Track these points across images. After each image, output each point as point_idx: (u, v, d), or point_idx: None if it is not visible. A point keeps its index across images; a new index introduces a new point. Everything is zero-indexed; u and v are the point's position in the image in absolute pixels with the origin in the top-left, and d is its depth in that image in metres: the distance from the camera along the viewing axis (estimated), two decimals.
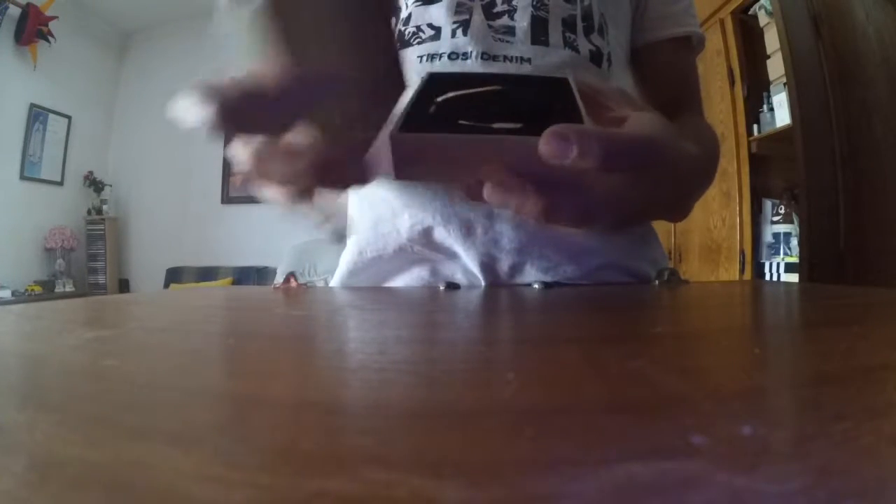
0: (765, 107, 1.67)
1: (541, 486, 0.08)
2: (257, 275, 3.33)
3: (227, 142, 0.25)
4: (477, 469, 0.09)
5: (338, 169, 0.27)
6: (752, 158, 1.67)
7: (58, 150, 3.52)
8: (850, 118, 1.33)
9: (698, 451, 0.09)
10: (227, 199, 3.64)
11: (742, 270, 1.68)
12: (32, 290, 3.21)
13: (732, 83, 1.73)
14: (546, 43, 0.46)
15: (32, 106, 3.32)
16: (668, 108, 0.39)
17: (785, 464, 0.09)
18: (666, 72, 0.55)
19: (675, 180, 0.30)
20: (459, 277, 0.47)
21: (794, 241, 1.60)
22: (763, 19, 1.67)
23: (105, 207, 3.72)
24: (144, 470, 0.09)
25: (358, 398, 0.13)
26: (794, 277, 1.51)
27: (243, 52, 0.25)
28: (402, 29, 0.49)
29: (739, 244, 1.69)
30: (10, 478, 0.08)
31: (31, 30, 3.16)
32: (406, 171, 0.25)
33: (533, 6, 0.47)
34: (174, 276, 3.49)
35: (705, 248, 1.86)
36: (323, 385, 0.15)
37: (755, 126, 1.68)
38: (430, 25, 0.48)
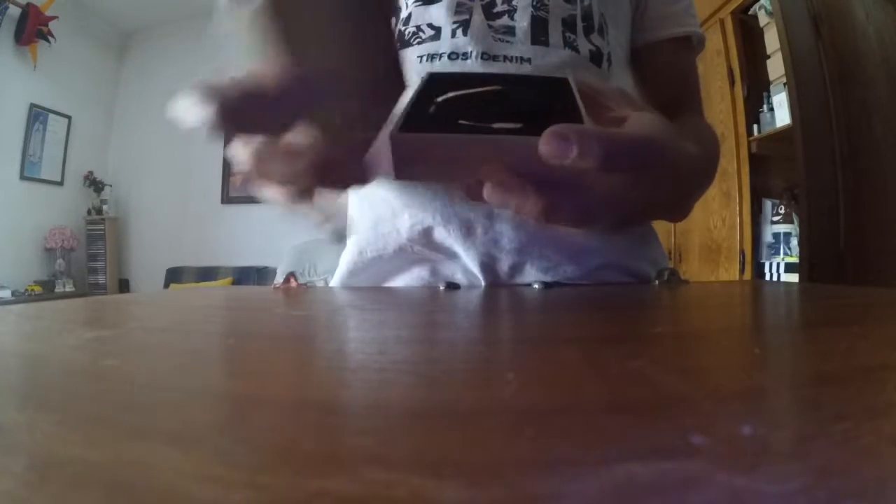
0: (765, 107, 1.67)
1: (541, 486, 0.08)
2: (257, 275, 3.33)
3: (227, 142, 0.25)
4: (477, 469, 0.09)
5: (337, 169, 0.27)
6: (752, 158, 1.67)
7: (58, 150, 3.52)
8: (850, 118, 1.33)
9: (698, 451, 0.09)
10: (227, 199, 3.64)
11: (742, 270, 1.68)
12: (32, 290, 3.21)
13: (732, 83, 1.73)
14: (546, 43, 0.46)
15: (32, 106, 3.32)
16: (668, 108, 0.39)
17: (785, 464, 0.09)
18: (666, 72, 0.55)
19: (675, 180, 0.30)
20: (459, 277, 0.47)
21: (794, 241, 1.60)
22: (763, 19, 1.67)
23: (105, 207, 3.72)
24: (144, 470, 0.09)
25: (358, 398, 0.13)
26: (794, 277, 1.51)
27: (243, 53, 0.25)
28: (402, 29, 0.49)
29: (739, 244, 1.69)
30: (10, 478, 0.08)
31: (31, 30, 3.16)
32: (406, 171, 0.26)
33: (533, 6, 0.47)
34: (174, 276, 3.49)
35: (705, 248, 1.86)
36: (323, 385, 0.15)
37: (755, 126, 1.68)
38: (430, 25, 0.48)
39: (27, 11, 3.12)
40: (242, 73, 0.24)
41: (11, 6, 3.07)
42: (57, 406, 0.13)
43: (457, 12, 0.47)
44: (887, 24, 1.29)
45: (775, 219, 1.69)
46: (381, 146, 0.32)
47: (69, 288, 3.45)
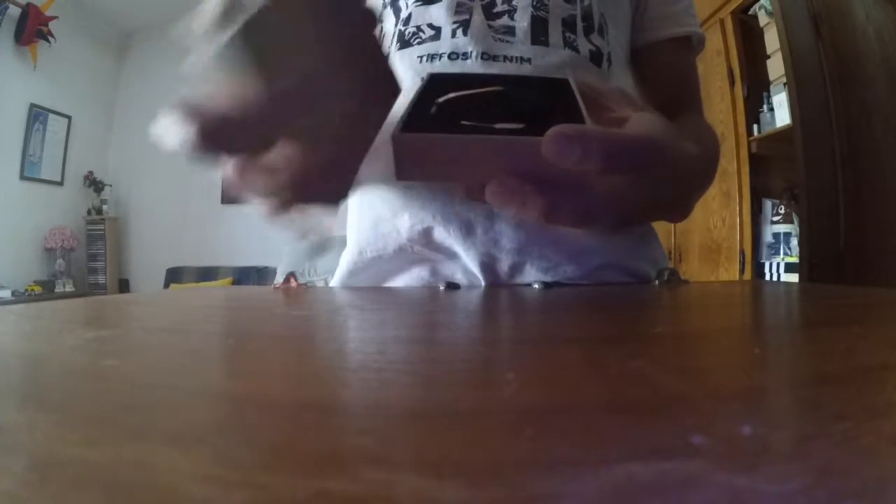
0: (765, 107, 1.67)
1: (541, 486, 0.08)
2: (257, 275, 3.33)
3: (207, 161, 0.26)
4: (477, 469, 0.09)
5: (314, 184, 0.27)
6: (752, 158, 1.67)
7: (58, 150, 3.52)
8: (850, 118, 1.33)
9: (698, 451, 0.09)
10: (227, 198, 3.64)
11: (742, 270, 1.68)
12: (32, 290, 3.21)
13: (732, 83, 1.73)
14: (546, 43, 0.46)
15: (32, 106, 3.32)
16: (668, 108, 0.39)
17: (785, 464, 0.09)
18: (666, 72, 0.55)
19: (675, 180, 0.30)
20: (459, 277, 0.47)
21: (794, 241, 1.60)
22: (763, 19, 1.67)
23: (105, 207, 3.72)
24: (144, 470, 0.09)
25: (358, 398, 0.13)
26: (794, 277, 1.51)
27: (218, 81, 0.25)
28: (402, 29, 0.49)
29: (739, 244, 1.69)
30: (10, 478, 0.08)
31: (31, 30, 3.16)
32: (408, 171, 0.26)
33: (533, 6, 0.47)
34: (174, 276, 3.49)
35: (705, 248, 1.86)
36: (323, 385, 0.15)
37: (755, 126, 1.68)
38: (430, 25, 0.48)
39: (27, 11, 3.12)
40: (218, 95, 0.24)
41: (11, 6, 3.07)
42: (57, 406, 0.13)
43: (457, 12, 0.47)
44: (887, 24, 1.29)
45: (775, 219, 1.69)
46: (382, 147, 0.32)
47: (69, 288, 3.45)
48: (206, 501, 0.08)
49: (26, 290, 3.19)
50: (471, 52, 0.46)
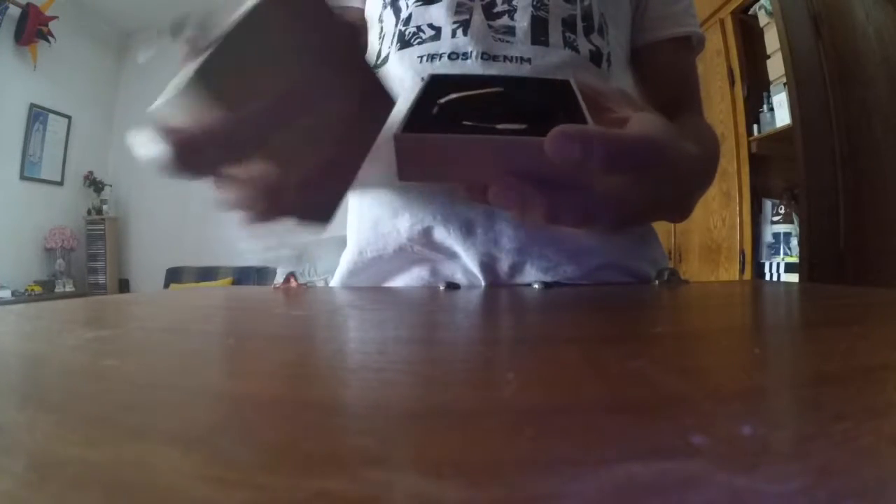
0: (765, 107, 1.67)
1: (541, 486, 0.08)
2: (257, 275, 3.32)
3: (181, 176, 0.26)
4: (477, 469, 0.09)
5: (290, 198, 0.29)
6: (752, 158, 1.67)
7: (58, 150, 3.52)
8: (850, 118, 1.33)
9: (698, 451, 0.09)
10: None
11: (742, 270, 1.68)
12: (32, 290, 3.21)
13: (732, 83, 1.73)
14: (546, 43, 0.46)
15: (32, 106, 3.32)
16: (668, 108, 0.39)
17: (785, 464, 0.09)
18: (666, 72, 0.55)
19: (676, 180, 0.30)
20: (459, 277, 0.47)
21: (794, 241, 1.60)
22: (763, 19, 1.67)
23: (105, 207, 3.72)
24: (144, 470, 0.09)
25: (358, 398, 0.13)
26: (794, 277, 1.51)
27: (187, 107, 0.26)
28: (403, 29, 0.49)
29: (739, 244, 1.69)
30: (10, 478, 0.08)
31: (31, 30, 3.16)
32: (410, 172, 0.26)
33: (533, 6, 0.47)
34: (174, 276, 3.48)
35: (705, 248, 1.86)
36: (323, 385, 0.15)
37: (755, 126, 1.68)
38: (431, 25, 0.48)
39: (27, 11, 3.12)
40: (189, 117, 0.25)
41: (11, 6, 3.07)
42: (57, 406, 0.13)
43: (457, 12, 0.47)
44: (887, 24, 1.29)
45: (775, 219, 1.69)
46: (382, 147, 0.32)
47: (69, 288, 3.45)
48: (206, 501, 0.08)
49: (26, 290, 3.19)
50: (471, 52, 0.46)
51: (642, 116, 0.27)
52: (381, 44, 0.52)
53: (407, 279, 0.49)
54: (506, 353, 0.20)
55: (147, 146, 0.24)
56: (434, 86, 0.31)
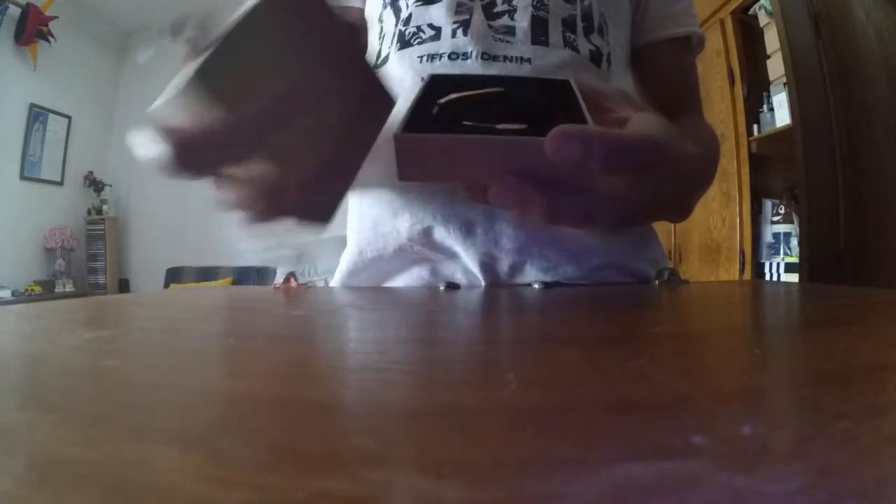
0: (765, 107, 1.67)
1: (541, 486, 0.08)
2: (257, 275, 3.32)
3: (181, 176, 0.27)
4: (477, 469, 0.09)
5: (284, 198, 0.29)
6: (752, 158, 1.67)
7: (58, 150, 3.52)
8: (850, 118, 1.33)
9: (698, 451, 0.09)
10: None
11: (742, 270, 1.68)
12: (32, 290, 3.21)
13: (732, 83, 1.73)
14: (546, 43, 0.46)
15: (32, 106, 3.32)
16: (668, 109, 0.39)
17: (785, 464, 0.09)
18: (666, 72, 0.55)
19: (676, 180, 0.30)
20: (459, 277, 0.47)
21: (794, 241, 1.60)
22: (763, 19, 1.67)
23: (105, 207, 3.72)
24: (144, 470, 0.09)
25: (358, 398, 0.13)
26: (794, 277, 1.51)
27: (186, 108, 0.26)
28: (403, 29, 0.49)
29: (739, 244, 1.69)
30: (10, 478, 0.08)
31: (31, 30, 3.16)
32: (410, 172, 0.26)
33: (533, 6, 0.47)
34: (174, 276, 3.48)
35: (705, 248, 1.86)
36: (323, 385, 0.15)
37: (755, 126, 1.68)
38: (431, 25, 0.48)
39: (27, 11, 3.12)
40: (188, 118, 0.25)
41: (11, 6, 3.07)
42: (57, 406, 0.13)
43: (457, 12, 0.47)
44: (887, 24, 1.29)
45: (775, 219, 1.69)
46: (382, 147, 0.32)
47: (69, 288, 3.45)
48: (206, 501, 0.08)
49: (26, 290, 3.19)
50: (471, 52, 0.46)
51: (642, 116, 0.27)
52: (381, 44, 0.52)
53: (407, 279, 0.49)
54: (506, 353, 0.20)
55: (147, 146, 0.24)
56: (434, 86, 0.30)
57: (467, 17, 0.47)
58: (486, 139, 0.24)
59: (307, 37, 0.29)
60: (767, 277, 1.64)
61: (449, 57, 0.46)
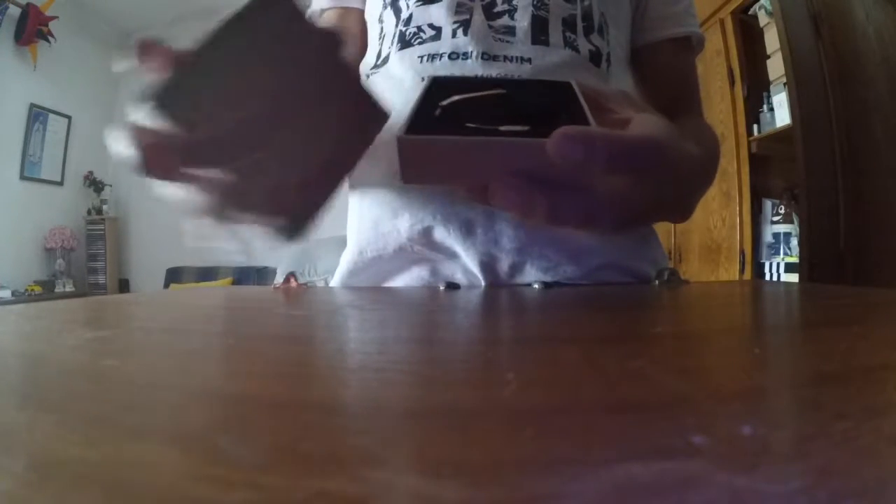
0: (765, 107, 1.67)
1: (541, 486, 0.08)
2: (257, 275, 3.32)
3: (151, 177, 0.28)
4: (477, 469, 0.09)
5: (240, 204, 0.29)
6: (752, 158, 1.67)
7: (58, 150, 3.52)
8: (850, 118, 1.33)
9: (698, 451, 0.09)
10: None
11: (742, 270, 1.68)
12: (32, 290, 3.21)
13: (732, 83, 1.72)
14: (546, 43, 0.46)
15: (32, 106, 3.32)
16: (668, 109, 0.39)
17: (785, 464, 0.09)
18: (666, 72, 0.55)
19: (677, 181, 0.30)
20: (459, 277, 0.47)
21: (794, 241, 1.60)
22: (763, 19, 1.67)
23: (105, 207, 3.72)
24: (144, 470, 0.09)
25: (358, 398, 0.13)
26: (794, 277, 1.51)
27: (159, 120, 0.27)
28: (403, 30, 0.49)
29: (739, 244, 1.69)
30: (10, 478, 0.08)
31: (31, 30, 3.16)
32: (413, 174, 0.25)
33: (533, 6, 0.47)
34: (174, 276, 3.48)
35: (705, 248, 1.86)
36: (323, 385, 0.15)
37: (755, 126, 1.68)
38: (431, 25, 0.48)
39: (27, 11, 3.12)
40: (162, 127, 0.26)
41: (11, 6, 3.07)
42: (57, 406, 0.13)
43: (457, 12, 0.47)
44: (887, 24, 1.29)
45: (775, 219, 1.69)
46: (382, 148, 0.32)
47: (69, 288, 3.45)
48: (206, 501, 0.08)
49: (26, 290, 3.19)
50: (471, 51, 0.46)
51: (644, 118, 0.27)
52: (381, 44, 0.52)
53: (407, 279, 0.49)
54: (506, 353, 0.20)
55: (122, 145, 0.25)
56: (435, 88, 0.30)
57: (467, 16, 0.47)
58: (489, 141, 0.24)
59: (285, 50, 0.29)
60: (767, 277, 1.64)
61: (449, 57, 0.46)
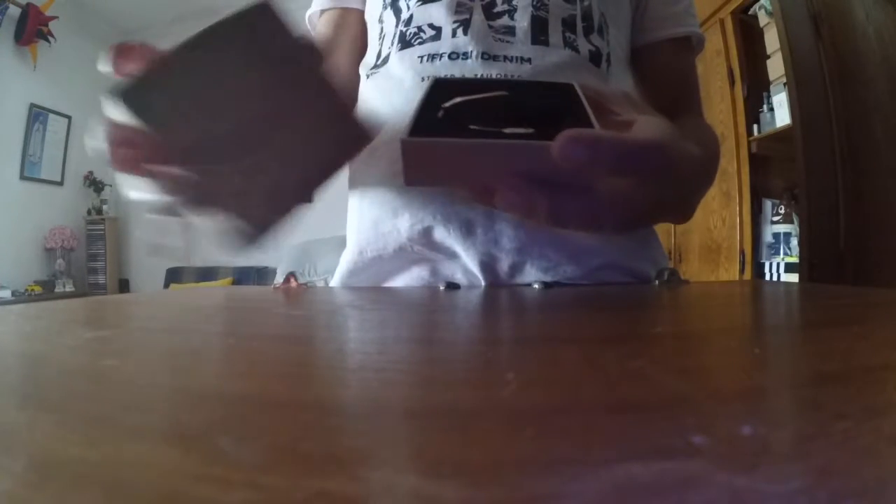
0: (765, 107, 1.67)
1: (541, 486, 0.08)
2: (257, 275, 3.32)
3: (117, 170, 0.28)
4: (477, 469, 0.09)
5: (201, 203, 0.30)
6: (752, 158, 1.67)
7: (58, 150, 3.52)
8: (850, 118, 1.33)
9: (698, 451, 0.09)
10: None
11: (742, 270, 1.68)
12: (32, 290, 3.21)
13: (732, 83, 1.72)
14: (546, 43, 0.46)
15: (32, 106, 3.32)
16: (668, 109, 0.39)
17: (785, 464, 0.09)
18: (666, 72, 0.55)
19: (680, 183, 0.30)
20: (459, 277, 0.47)
21: (794, 241, 1.60)
22: (763, 19, 1.67)
23: (105, 207, 3.72)
24: (144, 470, 0.09)
25: (358, 398, 0.13)
26: (794, 277, 1.51)
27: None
28: (404, 30, 0.49)
29: (739, 244, 1.69)
30: (10, 478, 0.08)
31: (31, 30, 3.16)
32: (416, 176, 0.25)
33: (533, 6, 0.47)
34: (174, 276, 3.48)
35: (705, 248, 1.86)
36: (323, 385, 0.15)
37: (755, 126, 1.68)
38: (431, 25, 0.48)
39: (27, 11, 3.12)
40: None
41: (11, 6, 3.07)
42: (57, 406, 0.13)
43: (457, 12, 0.47)
44: (887, 24, 1.29)
45: (775, 219, 1.69)
46: (382, 147, 0.32)
47: (69, 288, 3.45)
48: (206, 501, 0.08)
49: (26, 290, 3.19)
50: (471, 51, 0.46)
51: (648, 120, 0.27)
52: (381, 44, 0.52)
53: (407, 279, 0.49)
54: (506, 353, 0.20)
55: (97, 139, 0.26)
56: (437, 89, 0.30)
57: (467, 16, 0.47)
58: (494, 144, 0.24)
59: (263, 58, 0.29)
60: (767, 277, 1.64)
61: (449, 57, 0.46)
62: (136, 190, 0.29)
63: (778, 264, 1.62)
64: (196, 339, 0.24)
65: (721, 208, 1.76)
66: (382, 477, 0.08)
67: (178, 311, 0.36)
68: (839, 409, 0.11)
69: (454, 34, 0.47)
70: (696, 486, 0.08)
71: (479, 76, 0.45)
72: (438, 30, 0.47)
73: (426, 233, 0.46)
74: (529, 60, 0.46)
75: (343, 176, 0.54)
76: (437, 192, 0.46)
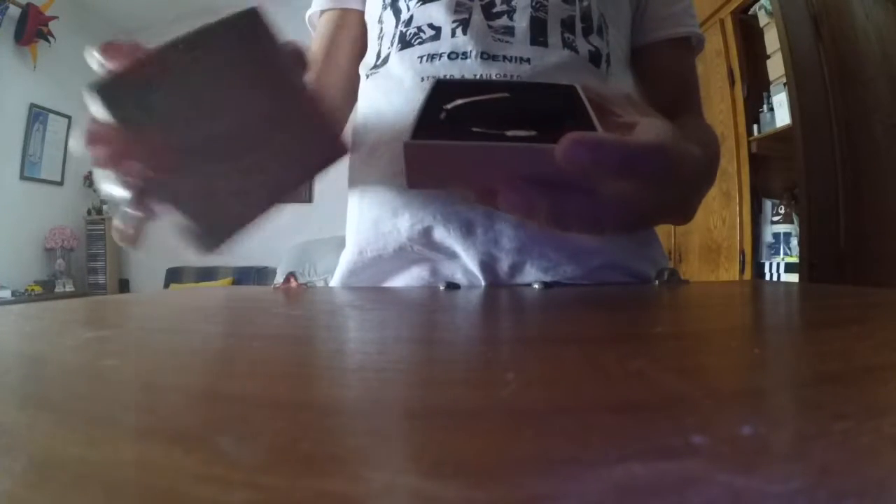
0: (765, 107, 1.67)
1: (541, 486, 0.08)
2: (257, 275, 3.32)
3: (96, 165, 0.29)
4: (477, 469, 0.09)
5: (166, 201, 0.31)
6: (752, 158, 1.67)
7: (58, 150, 3.52)
8: (850, 118, 1.33)
9: (698, 451, 0.09)
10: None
11: (742, 270, 1.68)
12: (32, 290, 3.21)
13: (732, 83, 1.72)
14: (545, 43, 0.46)
15: (32, 106, 3.32)
16: (668, 109, 0.39)
17: (785, 464, 0.09)
18: (666, 72, 0.55)
19: (681, 184, 0.30)
20: (459, 277, 0.47)
21: (794, 241, 1.60)
22: (763, 19, 1.67)
23: (105, 207, 3.72)
24: (144, 470, 0.09)
25: (358, 398, 0.13)
26: (794, 277, 1.51)
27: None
28: (404, 30, 0.49)
29: (739, 244, 1.69)
30: (10, 478, 0.08)
31: (31, 30, 3.16)
32: (419, 178, 0.25)
33: (532, 7, 0.47)
34: (174, 276, 3.48)
35: (705, 248, 1.86)
36: (323, 385, 0.15)
37: (755, 126, 1.68)
38: (431, 25, 0.48)
39: (27, 11, 3.12)
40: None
41: (11, 6, 3.07)
42: (57, 406, 0.13)
43: (456, 11, 0.47)
44: (887, 24, 1.29)
45: (775, 219, 1.69)
46: (382, 147, 0.32)
47: (69, 288, 3.45)
48: (206, 501, 0.08)
49: (26, 290, 3.19)
50: (470, 51, 0.46)
51: (650, 122, 0.27)
52: (381, 44, 0.52)
53: (407, 279, 0.49)
54: (506, 352, 0.20)
55: (78, 136, 0.27)
56: (439, 91, 0.30)
57: (466, 16, 0.47)
58: (497, 146, 0.24)
59: (243, 64, 0.29)
60: (767, 277, 1.64)
61: (448, 56, 0.46)
62: (109, 185, 0.29)
63: (778, 264, 1.62)
64: (196, 339, 0.24)
65: (721, 208, 1.76)
66: (382, 477, 0.08)
67: (178, 311, 0.36)
68: (839, 409, 0.11)
69: (453, 34, 0.47)
70: (696, 486, 0.08)
71: (478, 76, 0.45)
72: (438, 30, 0.47)
73: (426, 233, 0.46)
74: (528, 60, 0.46)
75: (343, 176, 0.54)
76: (437, 192, 0.46)
